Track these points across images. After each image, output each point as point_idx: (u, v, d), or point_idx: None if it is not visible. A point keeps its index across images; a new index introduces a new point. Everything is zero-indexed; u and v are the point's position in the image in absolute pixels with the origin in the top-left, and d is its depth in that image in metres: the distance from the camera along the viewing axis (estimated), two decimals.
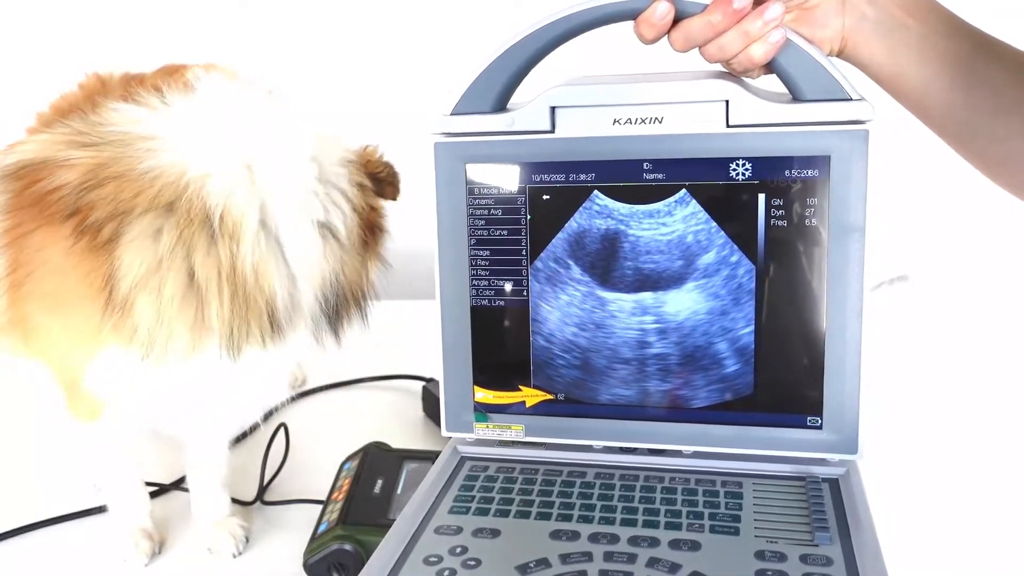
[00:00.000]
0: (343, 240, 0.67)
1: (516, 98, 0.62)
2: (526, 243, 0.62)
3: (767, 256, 0.58)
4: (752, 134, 0.57)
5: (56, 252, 0.64)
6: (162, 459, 0.87)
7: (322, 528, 0.72)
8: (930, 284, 1.25)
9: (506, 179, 0.62)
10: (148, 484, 0.82)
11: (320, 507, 0.77)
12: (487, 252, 0.63)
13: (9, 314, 0.69)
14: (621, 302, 0.61)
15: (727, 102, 0.57)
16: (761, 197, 0.57)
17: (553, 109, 0.59)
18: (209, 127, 0.63)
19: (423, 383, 1.01)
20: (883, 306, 1.16)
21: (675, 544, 0.52)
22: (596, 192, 0.60)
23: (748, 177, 0.57)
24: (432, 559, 0.53)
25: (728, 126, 0.57)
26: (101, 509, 0.81)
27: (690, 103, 0.57)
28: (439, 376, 0.65)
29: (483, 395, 0.65)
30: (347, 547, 0.68)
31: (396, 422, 0.99)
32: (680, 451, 0.62)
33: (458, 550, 0.53)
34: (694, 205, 0.59)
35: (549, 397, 0.64)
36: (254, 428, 0.97)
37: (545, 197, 0.61)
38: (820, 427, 0.59)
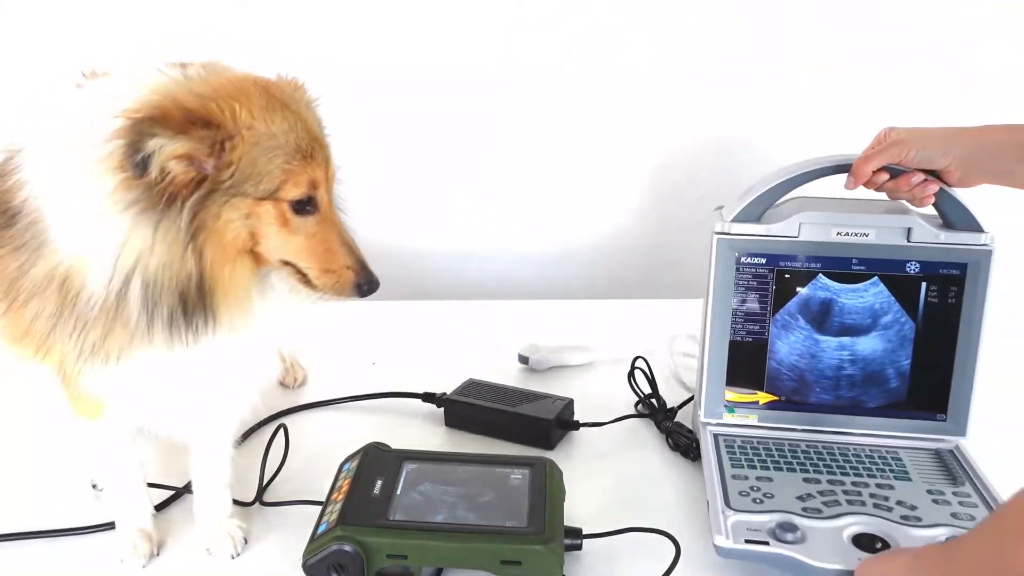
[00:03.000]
0: (147, 211, 0.58)
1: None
2: (770, 303, 0.99)
3: (923, 318, 0.97)
4: (922, 247, 0.95)
5: (3, 257, 0.66)
6: (173, 463, 0.87)
7: (321, 529, 0.72)
8: None
9: (762, 263, 0.98)
10: (160, 487, 0.82)
11: (320, 507, 0.76)
12: (744, 307, 0.99)
13: (11, 321, 0.70)
14: (829, 342, 0.99)
15: (909, 229, 0.95)
16: (923, 284, 0.96)
17: (800, 223, 0.96)
18: (32, 119, 0.64)
19: (437, 404, 1.04)
20: None
21: (880, 486, 0.90)
22: (820, 275, 0.98)
23: (916, 272, 0.96)
24: (743, 492, 0.89)
25: (908, 241, 0.95)
26: (108, 526, 0.79)
27: (888, 227, 0.95)
28: (702, 383, 1.01)
29: (731, 395, 1.02)
30: (346, 548, 0.68)
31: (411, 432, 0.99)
32: (853, 432, 1.00)
33: (753, 488, 0.90)
34: (881, 286, 0.97)
35: (775, 398, 1.01)
36: (254, 428, 0.98)
37: (786, 276, 0.98)
38: (945, 420, 0.98)
